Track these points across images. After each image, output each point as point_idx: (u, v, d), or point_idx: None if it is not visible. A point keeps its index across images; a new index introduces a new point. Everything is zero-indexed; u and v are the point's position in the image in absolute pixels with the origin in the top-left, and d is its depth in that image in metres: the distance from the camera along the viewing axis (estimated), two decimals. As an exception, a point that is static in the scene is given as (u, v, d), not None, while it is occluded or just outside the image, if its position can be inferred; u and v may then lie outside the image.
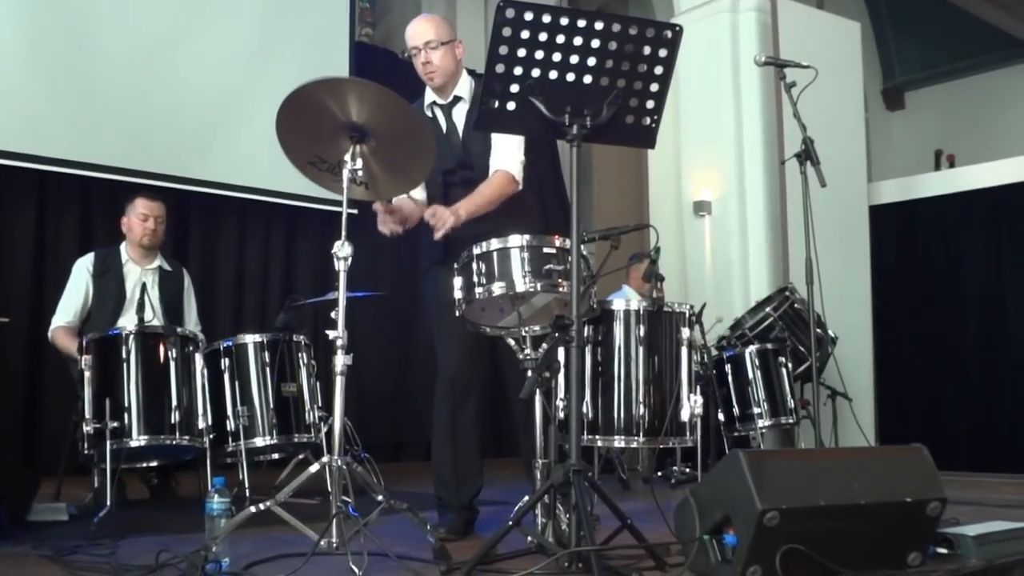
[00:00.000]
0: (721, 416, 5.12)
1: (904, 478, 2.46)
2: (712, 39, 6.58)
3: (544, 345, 2.96)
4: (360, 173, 2.87)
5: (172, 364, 4.07)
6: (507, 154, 3.37)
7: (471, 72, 3.46)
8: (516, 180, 3.37)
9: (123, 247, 4.69)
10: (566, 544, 2.54)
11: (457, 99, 3.45)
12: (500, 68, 2.66)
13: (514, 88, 2.68)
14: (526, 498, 2.79)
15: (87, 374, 3.91)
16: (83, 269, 4.60)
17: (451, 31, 3.44)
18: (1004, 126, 9.14)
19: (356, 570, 2.46)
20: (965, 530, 2.68)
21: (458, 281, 3.06)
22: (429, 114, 3.49)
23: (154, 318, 4.49)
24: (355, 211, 2.89)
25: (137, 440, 3.88)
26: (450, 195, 3.41)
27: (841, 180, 5.56)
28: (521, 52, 2.64)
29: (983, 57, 9.60)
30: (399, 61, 7.60)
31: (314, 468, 2.75)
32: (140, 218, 4.65)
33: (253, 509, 2.70)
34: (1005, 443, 6.32)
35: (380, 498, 2.82)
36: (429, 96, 3.49)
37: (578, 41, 2.66)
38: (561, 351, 2.89)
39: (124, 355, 3.97)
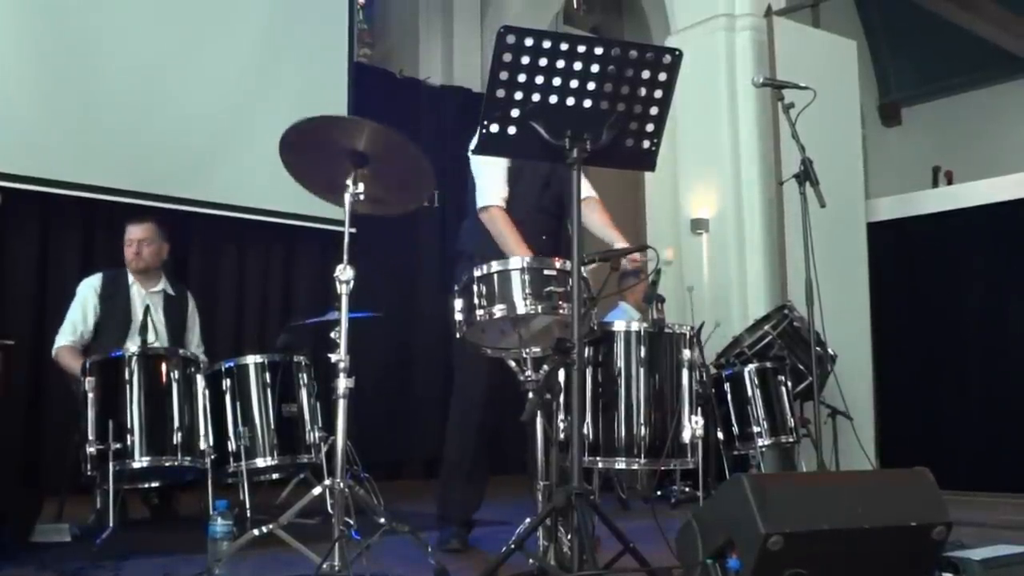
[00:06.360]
0: (720, 435, 5.10)
1: (909, 502, 2.45)
2: (708, 57, 6.60)
3: (545, 367, 2.97)
4: (362, 197, 2.91)
5: (174, 385, 4.07)
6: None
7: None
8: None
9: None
10: (568, 567, 2.54)
11: None
12: (501, 93, 2.67)
13: (515, 113, 2.70)
14: (528, 520, 2.79)
15: (90, 395, 3.92)
16: (90, 289, 4.62)
17: None
18: (1002, 142, 9.14)
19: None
20: (971, 554, 2.66)
21: (459, 303, 3.06)
22: None
23: (156, 340, 4.49)
24: (354, 230, 2.91)
25: (139, 461, 3.88)
26: (538, 222, 3.59)
27: (838, 197, 5.55)
28: (521, 77, 2.66)
29: (979, 73, 9.62)
30: (397, 81, 7.64)
31: (317, 491, 2.76)
32: (126, 244, 4.69)
33: (256, 532, 2.71)
34: (1006, 462, 6.29)
35: (382, 520, 2.83)
36: None
37: (578, 66, 2.67)
38: (562, 372, 2.90)
39: (127, 376, 3.97)
